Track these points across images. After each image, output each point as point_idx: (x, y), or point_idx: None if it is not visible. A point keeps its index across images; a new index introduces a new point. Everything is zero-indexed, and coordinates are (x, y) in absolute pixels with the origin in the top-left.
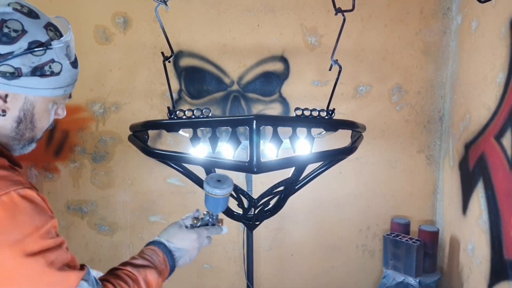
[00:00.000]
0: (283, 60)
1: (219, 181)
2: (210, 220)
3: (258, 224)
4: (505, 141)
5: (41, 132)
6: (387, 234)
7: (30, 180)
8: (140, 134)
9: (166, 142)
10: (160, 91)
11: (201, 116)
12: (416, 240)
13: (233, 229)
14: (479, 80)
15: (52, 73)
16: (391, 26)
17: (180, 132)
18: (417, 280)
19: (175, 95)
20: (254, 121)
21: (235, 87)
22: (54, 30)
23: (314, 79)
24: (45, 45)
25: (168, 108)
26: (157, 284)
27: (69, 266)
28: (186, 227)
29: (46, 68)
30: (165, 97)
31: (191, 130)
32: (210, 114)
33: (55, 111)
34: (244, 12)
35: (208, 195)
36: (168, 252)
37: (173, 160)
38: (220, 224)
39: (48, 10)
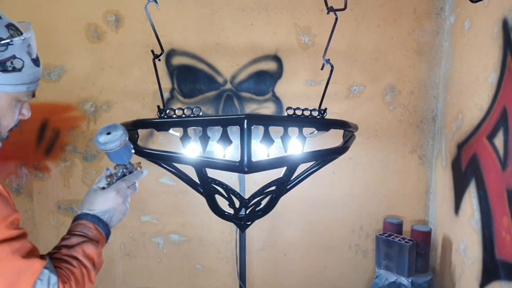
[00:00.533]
0: (277, 59)
1: (109, 133)
2: (125, 170)
3: (249, 224)
4: (497, 141)
5: (5, 130)
6: (380, 234)
7: (20, 179)
8: (130, 133)
9: (158, 141)
10: (152, 90)
11: (192, 115)
12: (409, 240)
13: (225, 229)
14: (472, 80)
15: (14, 69)
16: (384, 26)
17: (171, 131)
18: (410, 280)
19: (167, 94)
20: (245, 121)
21: (228, 86)
22: (15, 30)
23: (307, 78)
24: (6, 41)
25: (158, 107)
26: (97, 254)
27: (32, 254)
28: (103, 188)
29: (8, 63)
30: (157, 96)
31: (181, 129)
32: (200, 113)
33: (20, 111)
34: (237, 11)
35: (108, 153)
36: (97, 219)
37: (163, 159)
38: (139, 168)
39: (39, 7)
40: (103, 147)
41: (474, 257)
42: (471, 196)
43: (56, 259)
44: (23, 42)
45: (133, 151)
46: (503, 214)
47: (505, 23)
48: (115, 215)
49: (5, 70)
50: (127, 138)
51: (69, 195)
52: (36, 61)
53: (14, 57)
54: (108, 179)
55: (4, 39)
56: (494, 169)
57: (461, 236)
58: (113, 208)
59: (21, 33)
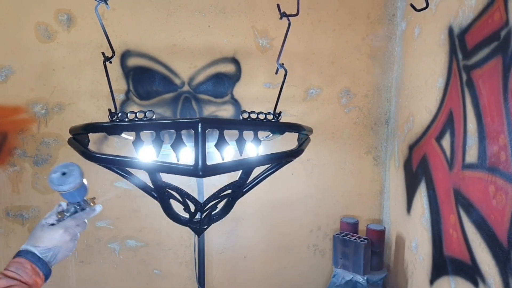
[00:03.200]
0: (235, 61)
1: (64, 174)
2: (77, 207)
3: (205, 229)
4: (445, 142)
5: None
6: (337, 234)
7: None
8: (80, 137)
9: (113, 144)
10: (106, 91)
11: (144, 119)
12: (364, 239)
13: (184, 233)
14: (421, 85)
15: None
16: (340, 30)
17: (123, 135)
18: (365, 278)
19: (123, 96)
20: (200, 124)
21: (186, 88)
22: None
23: (265, 81)
24: None
25: (109, 110)
26: None
27: None
28: (52, 224)
29: None
30: None
31: (134, 133)
32: (154, 116)
33: None
34: (194, 12)
35: (61, 193)
36: (37, 259)
37: (115, 164)
38: (92, 204)
39: None
40: (56, 188)
41: (425, 254)
42: (421, 196)
43: None
44: None
45: (87, 190)
46: (450, 212)
47: (450, 31)
48: (60, 252)
49: None
50: (83, 179)
51: (18, 201)
52: None
53: None
54: (59, 216)
55: None
56: (442, 169)
57: (413, 234)
58: (58, 246)
59: None
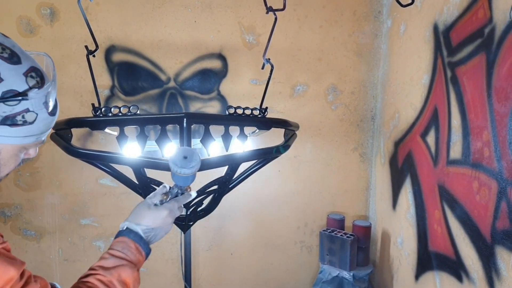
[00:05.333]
0: (221, 57)
1: (185, 157)
2: (179, 191)
3: (191, 225)
4: (429, 139)
5: (5, 174)
6: (323, 230)
7: None
8: (63, 133)
9: (98, 140)
10: (91, 87)
11: (129, 114)
12: (350, 235)
13: (170, 230)
14: (407, 81)
15: (25, 123)
16: (326, 27)
17: (107, 130)
18: (351, 274)
19: (107, 92)
20: (185, 119)
21: (171, 84)
22: (35, 77)
23: (252, 77)
24: (21, 95)
25: (93, 104)
26: (133, 279)
27: None
28: (155, 204)
29: (19, 117)
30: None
31: (118, 128)
32: (138, 112)
33: (26, 152)
34: (180, 7)
35: (177, 175)
36: (139, 238)
37: (98, 160)
38: (189, 190)
39: None
40: (179, 171)
41: (410, 249)
42: (407, 192)
43: (84, 283)
44: (41, 94)
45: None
46: (435, 208)
47: (435, 28)
48: (159, 234)
49: (13, 124)
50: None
51: (0, 198)
52: (53, 111)
53: (27, 110)
54: (164, 197)
55: (19, 93)
56: (427, 165)
57: (398, 230)
58: (160, 227)
59: (42, 82)
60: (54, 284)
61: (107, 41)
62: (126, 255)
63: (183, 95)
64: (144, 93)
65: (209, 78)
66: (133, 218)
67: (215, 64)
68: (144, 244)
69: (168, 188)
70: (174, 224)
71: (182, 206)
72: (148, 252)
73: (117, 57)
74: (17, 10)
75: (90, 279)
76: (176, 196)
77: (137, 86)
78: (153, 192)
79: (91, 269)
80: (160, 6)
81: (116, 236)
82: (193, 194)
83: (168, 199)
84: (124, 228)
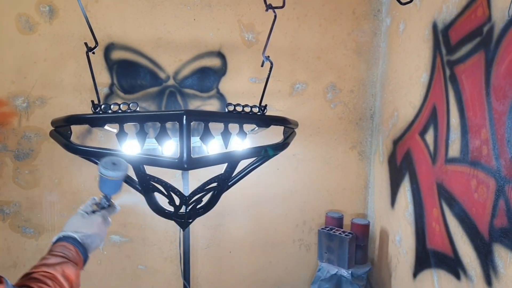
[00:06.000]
0: (221, 55)
1: (114, 164)
2: (107, 202)
3: (190, 222)
4: (428, 137)
5: None
6: (322, 228)
7: None
8: (62, 130)
9: (97, 138)
10: (90, 84)
11: (128, 111)
12: (349, 233)
13: (169, 228)
14: (406, 80)
15: None
16: (326, 25)
17: (107, 127)
18: (350, 272)
19: (106, 90)
20: (184, 116)
21: (171, 82)
22: None
23: (251, 75)
24: None
25: (92, 101)
26: (76, 276)
27: None
28: (88, 213)
29: None
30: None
31: (117, 125)
32: (137, 109)
33: None
34: (179, 5)
35: (105, 178)
36: (78, 243)
37: (98, 157)
38: (113, 204)
39: None
40: (107, 173)
41: (408, 247)
42: (405, 190)
43: (32, 279)
44: None
45: (120, 189)
46: (433, 206)
47: (434, 26)
48: (95, 241)
49: None
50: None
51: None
52: None
53: None
54: (95, 207)
55: None
56: (425, 163)
57: (396, 228)
58: (96, 234)
59: None
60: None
61: (106, 39)
62: (67, 255)
63: (182, 93)
64: (143, 91)
65: (208, 76)
66: (68, 227)
67: (214, 62)
68: (83, 249)
69: (96, 199)
70: (173, 222)
71: (110, 219)
72: (86, 258)
73: (116, 55)
74: (16, 8)
75: (35, 275)
76: (104, 207)
77: (136, 84)
78: (84, 205)
79: (33, 267)
80: (160, 4)
81: (53, 243)
82: (118, 208)
83: (99, 209)
84: (61, 237)
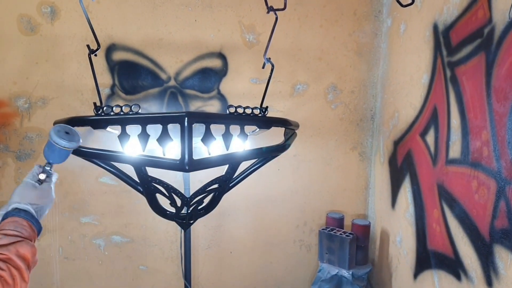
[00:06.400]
0: (221, 56)
1: (67, 133)
2: (50, 170)
3: (191, 223)
4: (429, 138)
5: None
6: (322, 229)
7: None
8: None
9: (98, 138)
10: (91, 85)
11: (130, 113)
12: (349, 233)
13: (170, 229)
14: (407, 81)
15: None
16: (327, 26)
17: (108, 129)
18: (350, 272)
19: (108, 91)
20: (186, 118)
21: (172, 83)
22: None
23: (252, 76)
24: None
25: (95, 103)
26: (32, 254)
27: None
28: (38, 183)
29: None
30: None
31: (119, 127)
32: (139, 110)
33: None
34: (180, 6)
35: (55, 146)
36: (31, 217)
37: (100, 158)
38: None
39: None
40: (59, 142)
41: (409, 248)
42: (406, 191)
43: None
44: None
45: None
46: (434, 207)
47: (435, 27)
48: (45, 211)
49: None
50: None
51: (1, 196)
52: None
53: None
54: (42, 175)
55: None
56: (426, 164)
57: (397, 228)
58: (47, 204)
59: None
60: None
61: (108, 40)
62: (20, 233)
63: (183, 94)
64: (145, 91)
65: (209, 77)
66: (20, 198)
67: (215, 63)
68: (36, 222)
69: (42, 167)
70: (174, 222)
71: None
72: (39, 229)
73: (118, 55)
74: (17, 9)
75: None
76: (49, 176)
77: (137, 84)
78: (30, 173)
79: None
80: (161, 4)
81: (3, 218)
82: (57, 175)
83: (46, 178)
84: (12, 209)
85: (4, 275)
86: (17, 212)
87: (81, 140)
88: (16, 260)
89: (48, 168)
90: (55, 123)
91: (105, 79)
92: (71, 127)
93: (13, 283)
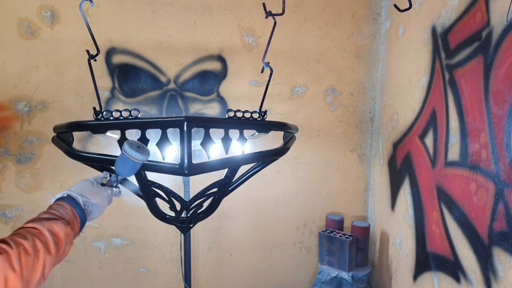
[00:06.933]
0: (221, 59)
1: (138, 147)
2: (115, 182)
3: (191, 227)
4: (428, 140)
5: None
6: (322, 231)
7: None
8: (64, 136)
9: (98, 142)
10: (91, 89)
11: (130, 117)
12: (349, 235)
13: (170, 231)
14: (405, 83)
15: None
16: (325, 29)
17: (108, 133)
18: (350, 274)
19: (108, 94)
20: (185, 123)
21: (171, 85)
22: None
23: (251, 79)
24: None
25: (94, 108)
26: (66, 234)
27: None
28: (98, 183)
29: None
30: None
31: (119, 131)
32: (139, 115)
33: None
34: (180, 10)
35: (126, 157)
36: (76, 204)
37: (100, 163)
38: (119, 188)
39: None
40: (132, 153)
41: (408, 250)
42: (405, 193)
43: (14, 233)
44: None
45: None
46: (433, 209)
47: (434, 30)
48: (96, 211)
49: None
50: None
51: (1, 200)
52: None
53: None
54: (105, 180)
55: None
56: (425, 166)
57: (397, 230)
58: (98, 204)
59: None
60: None
61: (108, 43)
62: (60, 213)
63: (183, 97)
64: (144, 94)
65: (209, 80)
66: (75, 189)
67: (215, 65)
68: (81, 211)
69: (108, 175)
70: (174, 226)
71: (113, 198)
72: (83, 220)
73: (118, 59)
74: (17, 13)
75: (19, 230)
76: (112, 186)
77: (137, 88)
78: (95, 176)
79: (26, 222)
80: (160, 8)
81: (55, 201)
82: (122, 193)
83: (107, 182)
84: (65, 196)
85: (25, 245)
86: (66, 198)
87: (149, 155)
88: (46, 233)
89: (115, 179)
90: (54, 128)
91: (105, 82)
92: (141, 143)
93: (34, 255)
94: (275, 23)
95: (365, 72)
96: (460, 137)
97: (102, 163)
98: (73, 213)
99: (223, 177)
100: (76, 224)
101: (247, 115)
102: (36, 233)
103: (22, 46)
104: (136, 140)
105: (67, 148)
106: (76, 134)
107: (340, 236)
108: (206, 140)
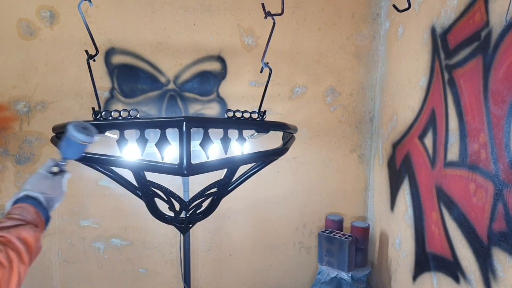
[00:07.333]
0: (220, 60)
1: (85, 128)
2: (63, 166)
3: (190, 227)
4: (427, 140)
5: None
6: (322, 231)
7: None
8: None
9: (97, 142)
10: (90, 89)
11: (128, 118)
12: (349, 236)
13: (169, 232)
14: (405, 83)
15: None
16: (325, 29)
17: (107, 133)
18: (350, 275)
19: (107, 94)
20: (184, 123)
21: (171, 86)
22: None
23: (251, 79)
24: None
25: (93, 108)
26: (35, 238)
27: None
28: (51, 175)
29: None
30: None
31: (118, 131)
32: (138, 115)
33: None
34: (179, 10)
35: (73, 141)
36: (38, 203)
37: (98, 163)
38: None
39: None
40: (77, 136)
41: (408, 251)
42: (405, 193)
43: None
44: None
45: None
46: (432, 209)
47: (433, 30)
48: (56, 203)
49: None
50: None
51: (1, 200)
52: None
53: None
54: (56, 169)
55: None
56: (425, 167)
57: (396, 231)
58: (57, 196)
59: None
60: None
61: (107, 44)
62: (25, 217)
63: (183, 97)
64: (144, 95)
65: (208, 80)
66: (31, 187)
67: (214, 66)
68: (44, 209)
69: (55, 161)
70: (173, 226)
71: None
72: (47, 218)
73: (117, 59)
74: (17, 13)
75: None
76: (62, 170)
77: (136, 88)
78: (44, 164)
79: None
80: (160, 8)
81: (13, 204)
82: (70, 174)
83: (58, 170)
84: (22, 196)
85: (0, 257)
86: (25, 199)
87: (98, 136)
88: (16, 242)
89: (62, 163)
90: (53, 129)
91: (105, 82)
92: (88, 124)
93: (9, 266)
94: (274, 23)
95: (365, 73)
96: (460, 137)
97: (100, 163)
98: (37, 214)
99: (222, 177)
100: (42, 224)
101: (247, 115)
102: (7, 243)
103: (22, 46)
104: (80, 121)
105: None
106: None
107: (339, 236)
108: (205, 140)
